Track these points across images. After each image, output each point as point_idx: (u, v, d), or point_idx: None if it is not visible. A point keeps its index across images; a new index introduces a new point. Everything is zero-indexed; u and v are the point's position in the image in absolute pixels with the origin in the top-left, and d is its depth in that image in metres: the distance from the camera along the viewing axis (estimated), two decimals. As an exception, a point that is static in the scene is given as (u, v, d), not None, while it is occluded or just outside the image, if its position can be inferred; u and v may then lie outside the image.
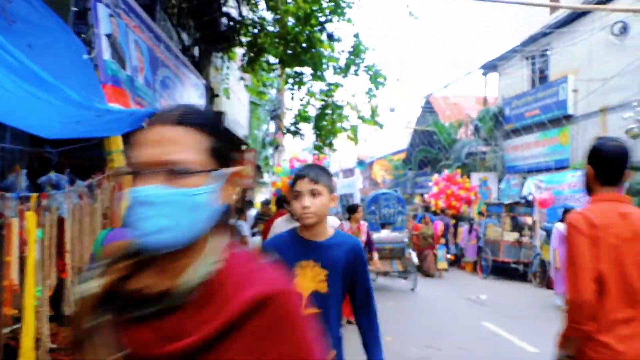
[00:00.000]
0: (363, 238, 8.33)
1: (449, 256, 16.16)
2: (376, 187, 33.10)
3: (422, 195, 23.43)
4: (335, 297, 2.44)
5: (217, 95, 9.92)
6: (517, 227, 15.21)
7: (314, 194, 2.39)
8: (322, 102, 10.64)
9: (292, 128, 11.56)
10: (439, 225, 16.08)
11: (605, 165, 2.55)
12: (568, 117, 16.55)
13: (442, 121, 23.83)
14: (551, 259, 10.74)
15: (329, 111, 10.57)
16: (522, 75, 19.42)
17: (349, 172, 40.80)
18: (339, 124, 10.86)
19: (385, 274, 12.31)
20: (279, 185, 13.19)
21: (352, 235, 2.64)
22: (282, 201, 8.34)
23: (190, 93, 7.61)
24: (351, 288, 2.50)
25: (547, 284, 12.57)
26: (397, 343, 7.17)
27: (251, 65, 10.19)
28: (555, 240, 10.25)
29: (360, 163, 35.70)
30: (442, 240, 15.84)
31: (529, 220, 15.07)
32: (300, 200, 2.41)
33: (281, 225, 4.87)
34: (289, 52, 9.51)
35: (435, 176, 19.71)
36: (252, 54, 9.88)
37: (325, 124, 10.53)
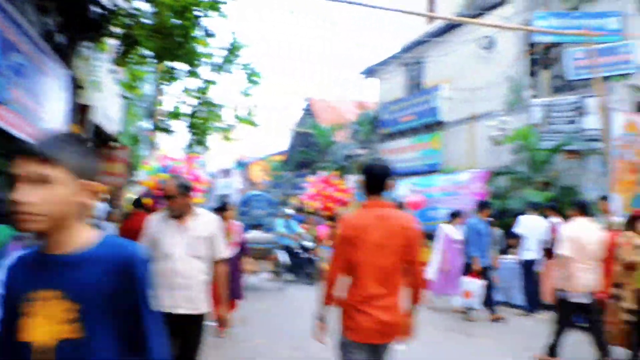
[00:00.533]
0: (236, 238, 8.26)
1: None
2: (255, 187, 32.92)
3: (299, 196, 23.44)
4: (103, 345, 1.59)
5: (82, 87, 9.37)
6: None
7: (40, 181, 1.53)
8: (197, 100, 10.42)
9: (163, 125, 11.24)
10: (324, 229, 16.06)
11: (371, 178, 3.43)
12: (440, 124, 17.37)
13: (321, 124, 24.08)
14: (435, 260, 10.74)
15: (203, 109, 10.40)
16: (399, 81, 20.14)
17: (227, 173, 40.41)
18: (213, 123, 10.69)
19: (255, 273, 12.60)
20: (149, 184, 12.66)
21: (128, 243, 1.69)
22: (139, 201, 8.14)
23: (50, 83, 7.17)
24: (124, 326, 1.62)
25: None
26: (267, 345, 7.18)
27: (123, 57, 9.74)
28: (442, 242, 10.61)
29: (239, 164, 35.35)
30: (328, 242, 15.77)
31: None
32: (16, 191, 1.54)
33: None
34: (164, 46, 9.18)
35: (311, 177, 19.72)
36: (125, 46, 9.45)
37: (200, 122, 10.33)
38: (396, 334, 3.46)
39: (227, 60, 9.92)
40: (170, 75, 10.11)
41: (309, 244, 14.85)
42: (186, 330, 3.89)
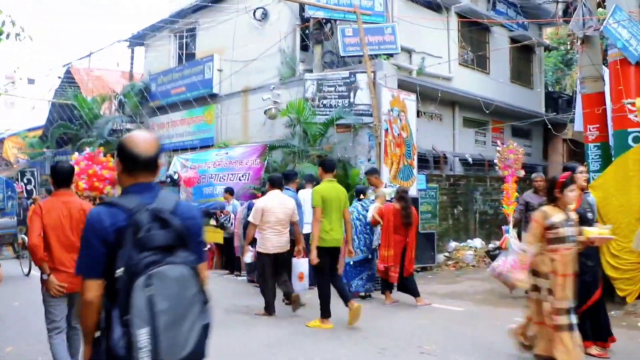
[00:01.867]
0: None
1: None
2: (10, 168, 29.68)
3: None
4: None
5: None
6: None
7: None
8: None
9: None
10: None
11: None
12: (213, 96, 16.98)
13: (84, 95, 22.29)
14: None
15: None
16: (170, 51, 19.36)
17: None
18: None
19: None
20: None
21: None
22: None
23: None
24: None
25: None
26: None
27: None
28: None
29: (-10, 140, 31.48)
30: None
31: None
32: None
33: None
34: None
35: (76, 155, 18.32)
36: None
37: None
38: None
39: None
40: None
41: None
42: None
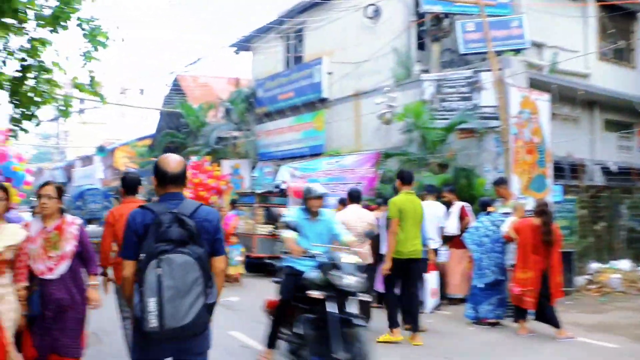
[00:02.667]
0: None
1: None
2: (119, 176, 30.73)
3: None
4: None
5: None
6: (271, 218, 14.94)
7: None
8: (22, 62, 8.49)
9: None
10: (233, 220, 13.90)
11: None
12: (323, 101, 16.50)
13: (190, 103, 22.67)
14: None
15: (31, 75, 8.51)
16: (277, 54, 19.09)
17: (87, 160, 37.68)
18: (46, 92, 8.77)
19: None
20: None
21: None
22: None
23: None
24: None
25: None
26: None
27: None
28: None
29: (101, 150, 32.77)
30: (234, 239, 13.21)
31: (283, 210, 14.25)
32: None
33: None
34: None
35: None
36: None
37: (26, 90, 8.41)
38: None
39: (60, 13, 8.10)
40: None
41: None
42: None
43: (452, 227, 9.79)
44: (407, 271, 7.56)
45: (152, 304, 2.96)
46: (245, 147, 19.60)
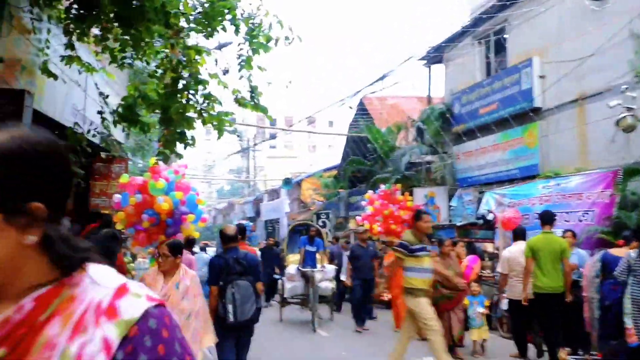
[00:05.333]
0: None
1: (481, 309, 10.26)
2: (306, 210, 30.52)
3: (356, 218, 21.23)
4: None
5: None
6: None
7: None
8: (173, 76, 7.53)
9: (114, 117, 8.27)
10: (476, 264, 11.27)
11: None
12: (535, 111, 14.30)
13: (377, 126, 21.88)
14: None
15: (183, 89, 7.45)
16: (474, 62, 17.35)
17: (274, 194, 38.32)
18: (204, 109, 7.76)
19: None
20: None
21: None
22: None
23: None
24: None
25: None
26: None
27: (82, 28, 7.29)
28: None
29: (287, 182, 32.95)
30: (476, 288, 10.45)
31: (489, 246, 13.35)
32: None
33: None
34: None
35: (370, 193, 17.50)
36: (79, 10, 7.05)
37: (177, 108, 7.37)
38: None
39: (218, 14, 7.04)
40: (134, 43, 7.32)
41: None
42: None
43: None
44: (545, 305, 8.65)
45: (230, 308, 6.22)
46: (440, 173, 18.06)
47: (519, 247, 9.26)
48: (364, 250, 13.85)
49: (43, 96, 7.92)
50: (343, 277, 14.76)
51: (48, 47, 7.59)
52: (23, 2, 7.06)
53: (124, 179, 9.17)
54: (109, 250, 7.41)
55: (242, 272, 6.32)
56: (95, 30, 7.73)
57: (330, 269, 13.99)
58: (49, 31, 7.73)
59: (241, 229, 9.38)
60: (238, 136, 11.46)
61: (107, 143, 10.78)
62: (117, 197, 9.62)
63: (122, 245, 10.77)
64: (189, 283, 5.72)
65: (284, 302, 14.14)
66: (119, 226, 9.56)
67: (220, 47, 8.11)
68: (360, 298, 13.12)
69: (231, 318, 6.15)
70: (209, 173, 58.75)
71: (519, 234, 9.81)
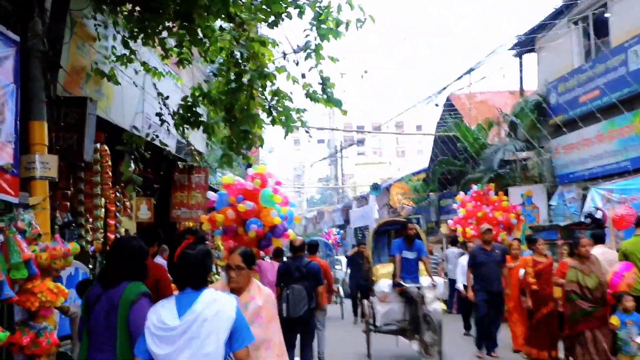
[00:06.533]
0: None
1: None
2: (395, 214, 29.83)
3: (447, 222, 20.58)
4: None
5: (59, 68, 6.39)
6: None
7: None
8: (236, 71, 7.02)
9: (175, 119, 7.87)
10: (628, 270, 8.37)
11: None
12: (643, 95, 13.15)
13: (466, 123, 21.41)
14: None
15: (247, 84, 6.91)
16: (570, 47, 16.37)
17: (363, 201, 38.08)
18: (274, 107, 7.22)
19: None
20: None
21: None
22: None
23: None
24: None
25: None
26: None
27: (145, 30, 7.06)
28: None
29: (375, 188, 32.63)
30: (630, 303, 7.75)
31: None
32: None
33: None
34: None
35: (461, 195, 16.99)
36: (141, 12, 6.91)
37: (240, 104, 6.88)
38: None
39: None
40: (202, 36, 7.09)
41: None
42: None
43: None
44: None
45: (284, 306, 7.74)
46: (537, 169, 17.34)
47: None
48: (489, 254, 10.70)
49: (111, 104, 7.82)
50: (460, 286, 12.99)
51: (114, 54, 7.47)
52: (87, 9, 6.83)
53: (228, 179, 9.94)
54: (207, 267, 7.04)
55: (300, 278, 8.01)
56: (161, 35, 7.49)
57: (440, 283, 10.86)
58: (114, 37, 7.56)
59: (312, 245, 10.72)
60: (307, 132, 10.72)
61: (186, 153, 10.83)
62: (212, 195, 10.30)
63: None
64: (261, 303, 4.66)
65: (373, 330, 10.48)
66: (205, 227, 10.29)
67: (297, 51, 7.40)
68: (484, 316, 10.45)
69: (284, 314, 7.60)
70: (297, 182, 59.41)
71: (598, 238, 9.36)
